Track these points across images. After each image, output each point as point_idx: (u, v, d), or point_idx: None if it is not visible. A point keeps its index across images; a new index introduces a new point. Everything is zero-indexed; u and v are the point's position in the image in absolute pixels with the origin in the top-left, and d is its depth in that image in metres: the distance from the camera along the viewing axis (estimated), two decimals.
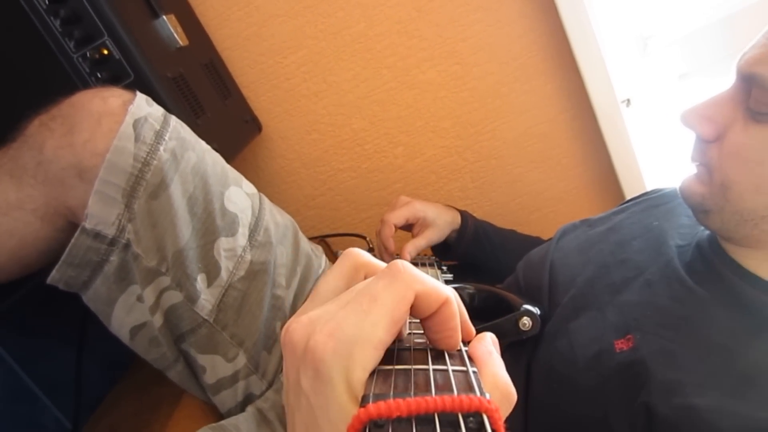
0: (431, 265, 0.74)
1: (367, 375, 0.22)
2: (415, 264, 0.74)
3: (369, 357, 0.22)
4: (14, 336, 0.65)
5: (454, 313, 0.24)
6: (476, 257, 0.83)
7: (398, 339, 0.28)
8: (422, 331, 0.29)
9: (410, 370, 0.24)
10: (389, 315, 0.23)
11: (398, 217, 0.80)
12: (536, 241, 0.87)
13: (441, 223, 0.81)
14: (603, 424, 0.45)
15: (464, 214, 0.84)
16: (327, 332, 0.22)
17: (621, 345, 0.48)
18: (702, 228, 0.54)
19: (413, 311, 0.24)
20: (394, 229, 0.80)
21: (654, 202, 0.65)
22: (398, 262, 0.24)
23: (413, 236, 0.81)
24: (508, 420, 0.22)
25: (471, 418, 0.20)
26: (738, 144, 0.46)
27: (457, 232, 0.82)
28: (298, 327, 0.24)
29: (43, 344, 0.69)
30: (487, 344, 0.26)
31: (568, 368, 0.50)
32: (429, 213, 0.80)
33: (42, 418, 0.65)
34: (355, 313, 0.22)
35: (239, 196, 0.66)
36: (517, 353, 0.57)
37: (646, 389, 0.43)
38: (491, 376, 0.25)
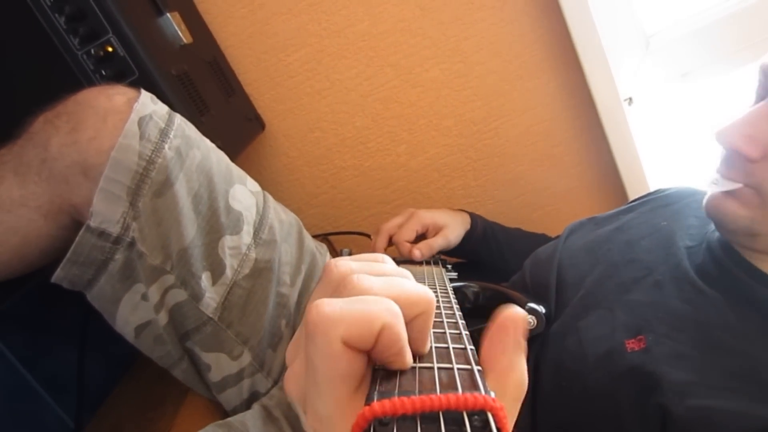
0: (435, 263, 0.74)
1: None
2: (419, 264, 0.73)
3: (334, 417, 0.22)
4: (17, 334, 0.65)
5: (395, 338, 0.22)
6: (481, 256, 0.83)
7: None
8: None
9: (415, 368, 0.23)
10: (331, 380, 0.21)
11: (408, 232, 0.77)
12: (542, 239, 0.87)
13: (454, 223, 0.79)
14: (614, 424, 0.45)
15: (473, 215, 0.84)
16: (311, 416, 0.22)
17: (632, 345, 0.47)
18: (712, 229, 0.54)
19: (354, 349, 0.22)
20: (387, 242, 0.78)
21: (661, 202, 0.65)
22: (311, 308, 0.21)
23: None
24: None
25: (476, 417, 0.20)
26: None
27: (467, 231, 0.82)
28: (289, 387, 0.24)
29: (45, 342, 0.69)
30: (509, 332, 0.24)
31: (578, 366, 0.50)
32: (438, 217, 0.79)
33: (45, 417, 0.65)
34: (312, 388, 0.22)
35: (244, 194, 0.65)
36: None
37: (660, 390, 0.43)
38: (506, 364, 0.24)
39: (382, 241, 0.78)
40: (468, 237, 0.81)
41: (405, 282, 0.24)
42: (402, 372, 0.23)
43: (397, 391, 0.21)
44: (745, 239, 0.48)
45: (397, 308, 0.22)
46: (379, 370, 0.23)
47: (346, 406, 0.21)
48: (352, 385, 0.22)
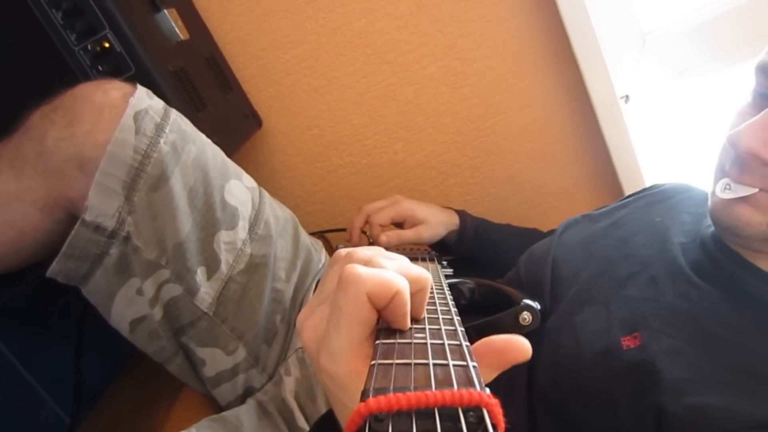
0: (431, 260, 0.74)
1: (354, 347, 0.27)
2: (415, 259, 0.74)
3: (349, 353, 0.27)
4: (13, 330, 0.65)
5: (404, 302, 0.27)
6: (476, 254, 0.83)
7: (399, 332, 0.28)
8: (422, 326, 0.29)
9: (410, 364, 0.24)
10: (351, 321, 0.27)
11: (383, 216, 0.79)
12: (534, 234, 0.87)
13: (434, 221, 0.80)
14: (611, 420, 0.45)
15: (462, 214, 0.83)
16: (324, 353, 0.28)
17: (628, 342, 0.47)
18: (705, 225, 0.54)
19: (373, 304, 0.27)
20: (364, 222, 0.79)
21: (655, 198, 0.65)
22: (347, 267, 0.27)
23: None
24: (509, 415, 0.23)
25: (471, 413, 0.20)
26: None
27: (457, 233, 0.82)
28: (307, 334, 0.30)
29: (41, 338, 0.69)
30: None
31: (574, 363, 0.50)
32: (419, 211, 0.80)
33: (41, 413, 0.65)
34: (332, 327, 0.28)
35: (239, 189, 0.66)
36: None
37: (656, 389, 0.42)
38: None
39: (360, 219, 0.79)
40: (460, 238, 0.81)
41: (410, 265, 0.31)
42: (397, 368, 0.23)
43: (392, 387, 0.21)
44: (759, 245, 0.47)
45: (407, 282, 0.28)
46: (374, 367, 0.23)
47: (356, 347, 0.27)
48: (364, 332, 0.27)
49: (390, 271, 0.28)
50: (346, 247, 0.79)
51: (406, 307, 0.28)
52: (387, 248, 0.77)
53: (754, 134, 0.43)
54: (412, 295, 0.29)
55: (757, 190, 0.45)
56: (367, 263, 0.29)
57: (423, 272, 0.30)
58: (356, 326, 0.27)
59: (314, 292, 0.35)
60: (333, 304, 0.28)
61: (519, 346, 0.27)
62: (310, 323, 0.30)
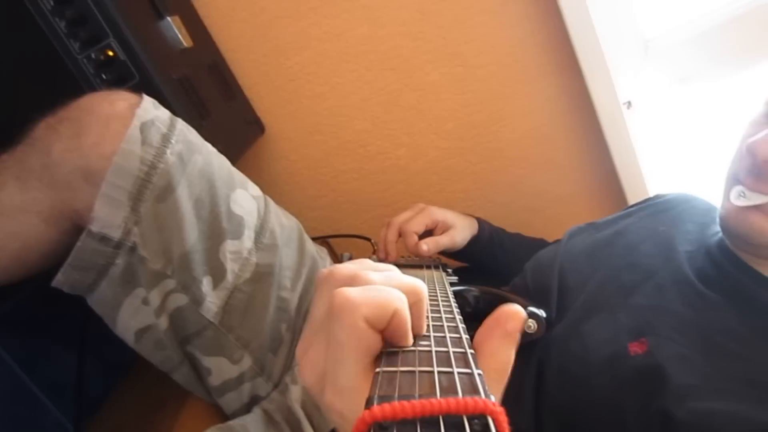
0: (436, 267, 0.74)
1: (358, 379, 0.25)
2: (420, 267, 0.73)
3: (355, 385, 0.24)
4: (16, 338, 0.64)
5: (404, 320, 0.26)
6: (483, 261, 0.83)
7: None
8: (427, 333, 0.29)
9: (415, 372, 0.24)
10: (355, 352, 0.25)
11: (417, 224, 0.77)
12: (542, 244, 0.87)
13: (461, 225, 0.80)
14: (618, 427, 0.45)
15: (481, 221, 0.84)
16: (330, 391, 0.25)
17: (635, 348, 0.48)
18: (710, 234, 0.54)
19: (373, 328, 0.25)
20: (397, 234, 0.78)
21: (660, 207, 0.65)
22: (336, 293, 0.25)
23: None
24: (516, 423, 0.23)
25: (476, 420, 0.20)
26: None
27: (476, 237, 0.82)
28: (307, 373, 0.27)
29: (44, 346, 0.68)
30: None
31: (582, 370, 0.50)
32: (449, 217, 0.79)
33: (43, 421, 0.65)
34: (335, 362, 0.25)
35: (245, 198, 0.66)
36: (527, 355, 0.57)
37: (662, 395, 0.43)
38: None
39: (392, 232, 0.77)
40: (474, 241, 0.81)
41: (400, 275, 0.28)
42: (402, 376, 0.23)
43: (397, 395, 0.21)
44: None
45: (404, 296, 0.26)
46: (379, 375, 0.23)
47: (365, 378, 0.24)
48: (371, 357, 0.25)
49: (384, 289, 0.26)
50: (352, 257, 0.79)
51: (408, 324, 0.26)
52: (421, 266, 0.76)
53: None
54: (409, 307, 0.27)
55: None
56: (353, 280, 0.27)
57: (416, 282, 0.28)
58: (362, 356, 0.25)
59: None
60: (330, 337, 0.25)
61: (507, 309, 0.27)
62: (307, 361, 0.27)
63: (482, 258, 0.82)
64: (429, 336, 0.28)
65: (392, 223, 0.78)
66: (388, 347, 0.26)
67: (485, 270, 0.83)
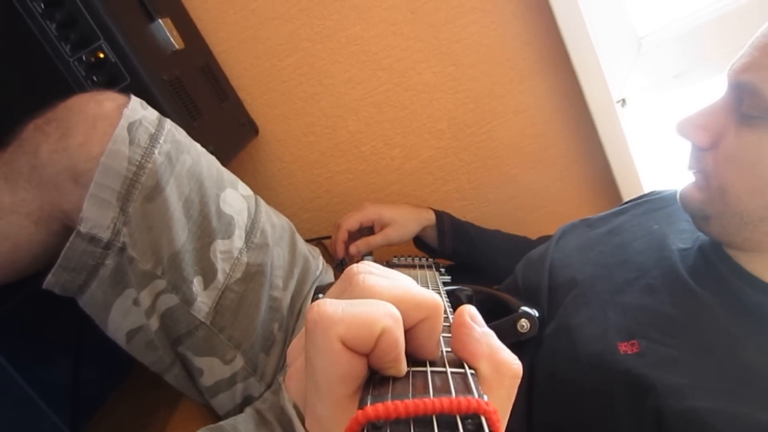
0: (429, 267, 0.74)
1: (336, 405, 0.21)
2: (413, 266, 0.73)
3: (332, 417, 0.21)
4: (11, 341, 0.64)
5: (393, 343, 0.21)
6: (465, 255, 0.83)
7: None
8: None
9: (408, 372, 0.23)
10: (329, 380, 0.21)
11: (351, 222, 0.80)
12: (524, 240, 0.87)
13: (401, 220, 0.81)
14: (609, 425, 0.45)
15: (438, 212, 0.85)
16: (309, 418, 0.22)
17: (625, 348, 0.48)
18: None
19: (353, 351, 0.21)
20: (346, 234, 0.80)
21: (653, 205, 0.65)
22: (313, 305, 0.21)
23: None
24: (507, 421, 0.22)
25: (469, 420, 0.20)
26: (732, 148, 0.47)
27: (436, 229, 0.83)
28: (292, 386, 0.24)
29: (40, 350, 0.68)
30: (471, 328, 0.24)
31: (572, 367, 0.50)
32: (385, 213, 0.81)
33: (39, 425, 0.64)
34: (312, 389, 0.22)
35: (235, 198, 0.66)
36: (519, 355, 0.57)
37: (654, 393, 0.43)
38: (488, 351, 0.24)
39: (340, 233, 0.81)
40: (439, 234, 0.83)
41: (411, 285, 0.23)
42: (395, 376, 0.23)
43: (390, 394, 0.21)
44: (701, 223, 0.52)
45: (398, 314, 0.21)
46: (372, 375, 0.23)
47: (345, 409, 0.21)
48: (351, 387, 0.21)
49: (370, 302, 0.21)
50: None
51: (398, 349, 0.21)
52: (357, 257, 0.79)
53: (690, 122, 0.50)
54: (417, 326, 0.23)
55: (695, 171, 0.52)
56: (346, 290, 0.23)
57: (429, 296, 0.23)
58: (336, 386, 0.21)
59: (311, 302, 0.29)
60: (306, 358, 0.22)
61: (462, 310, 0.24)
62: (291, 372, 0.24)
63: (461, 250, 0.83)
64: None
65: (339, 224, 0.82)
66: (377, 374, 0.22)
67: (476, 267, 0.83)
